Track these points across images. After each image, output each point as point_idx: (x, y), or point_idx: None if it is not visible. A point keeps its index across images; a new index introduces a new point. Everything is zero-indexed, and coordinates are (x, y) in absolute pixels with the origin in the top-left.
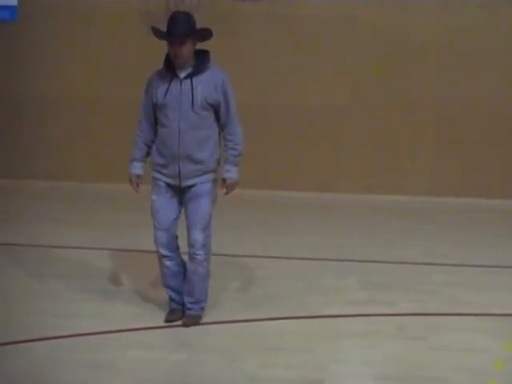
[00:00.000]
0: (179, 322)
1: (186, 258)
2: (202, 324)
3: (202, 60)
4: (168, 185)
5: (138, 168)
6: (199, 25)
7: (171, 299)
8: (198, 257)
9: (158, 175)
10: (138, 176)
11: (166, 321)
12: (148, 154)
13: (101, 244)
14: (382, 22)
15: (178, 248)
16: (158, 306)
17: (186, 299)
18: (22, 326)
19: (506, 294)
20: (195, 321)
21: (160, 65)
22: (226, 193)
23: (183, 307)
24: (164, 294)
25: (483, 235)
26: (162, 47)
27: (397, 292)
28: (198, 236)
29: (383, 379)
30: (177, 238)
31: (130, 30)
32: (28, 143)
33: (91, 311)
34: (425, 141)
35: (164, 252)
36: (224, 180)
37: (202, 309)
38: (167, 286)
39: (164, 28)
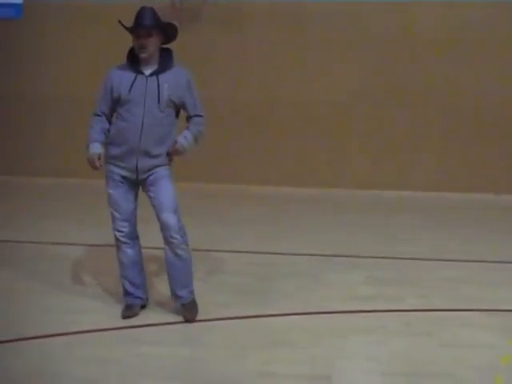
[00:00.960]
0: (180, 319)
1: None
2: (207, 320)
3: (166, 58)
4: (124, 177)
5: (97, 147)
6: (207, 22)
7: (127, 293)
8: (175, 240)
9: (113, 168)
10: (99, 155)
11: (124, 317)
12: (104, 138)
13: (105, 241)
14: (387, 18)
15: (137, 237)
16: (163, 302)
17: (175, 288)
18: (28, 322)
19: None
20: (194, 309)
21: None
22: (169, 155)
23: (142, 301)
24: (168, 291)
25: (490, 231)
26: (169, 45)
27: (403, 288)
28: (170, 218)
29: (390, 375)
30: (136, 228)
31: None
32: (30, 140)
33: (97, 308)
34: (431, 136)
35: (124, 239)
36: (175, 142)
37: (192, 292)
38: (125, 277)
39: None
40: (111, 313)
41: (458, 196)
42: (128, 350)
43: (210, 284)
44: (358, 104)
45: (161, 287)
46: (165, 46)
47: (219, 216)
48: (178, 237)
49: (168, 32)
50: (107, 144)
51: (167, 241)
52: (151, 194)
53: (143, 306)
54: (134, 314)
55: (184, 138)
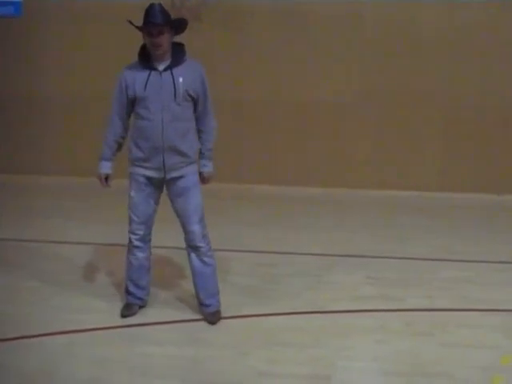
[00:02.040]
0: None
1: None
2: None
3: (178, 52)
4: (149, 179)
5: (107, 167)
6: (208, 22)
7: (129, 292)
8: (202, 249)
9: (138, 170)
10: (107, 175)
11: (123, 316)
12: (118, 150)
13: (107, 239)
14: (389, 17)
15: (150, 240)
16: (165, 301)
17: (203, 296)
18: (33, 321)
19: None
20: (218, 316)
21: None
22: (203, 184)
23: (142, 302)
24: (172, 290)
25: (493, 231)
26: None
27: (406, 288)
28: (196, 229)
29: (392, 375)
30: (151, 231)
31: (132, 29)
32: (32, 139)
33: (102, 306)
34: (433, 136)
35: (137, 243)
36: (201, 173)
37: (219, 301)
38: (130, 279)
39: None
40: (114, 312)
41: (460, 196)
42: (130, 349)
43: None
44: (359, 104)
45: (165, 286)
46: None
47: (221, 216)
48: (203, 244)
49: (178, 26)
50: (130, 146)
51: (194, 249)
52: (178, 205)
53: (141, 307)
54: (133, 314)
55: (205, 167)
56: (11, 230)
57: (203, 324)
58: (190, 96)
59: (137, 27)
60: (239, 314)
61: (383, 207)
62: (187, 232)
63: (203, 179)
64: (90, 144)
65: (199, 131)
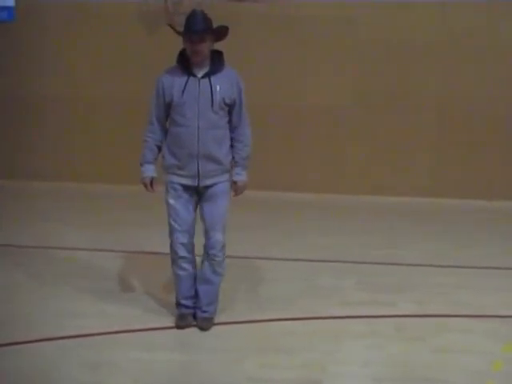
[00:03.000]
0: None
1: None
2: None
3: (217, 60)
4: (184, 187)
5: (151, 170)
6: None
7: (179, 304)
8: (218, 258)
9: (173, 178)
10: (153, 178)
11: (179, 327)
12: (158, 154)
13: (103, 245)
14: (382, 22)
15: (193, 249)
16: (159, 306)
17: (203, 302)
18: (24, 326)
19: (506, 295)
20: (211, 323)
21: (156, 64)
22: (235, 195)
23: (194, 310)
24: (166, 295)
25: (484, 237)
26: (161, 47)
27: (397, 293)
28: (219, 237)
29: (383, 380)
30: (194, 240)
31: (129, 30)
32: (27, 144)
33: (93, 311)
34: (425, 141)
35: (183, 253)
36: (234, 182)
37: (216, 310)
38: (180, 292)
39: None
40: (106, 317)
41: (451, 202)
42: (123, 354)
43: None
44: (352, 108)
45: (156, 292)
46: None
47: None
48: (220, 255)
49: (219, 33)
50: (164, 153)
51: (210, 258)
52: (205, 209)
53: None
54: (188, 324)
55: (238, 176)
56: (5, 235)
57: (195, 330)
58: (226, 104)
59: (178, 33)
60: (230, 319)
61: (374, 213)
62: (209, 238)
63: (236, 188)
64: (86, 149)
65: (234, 140)
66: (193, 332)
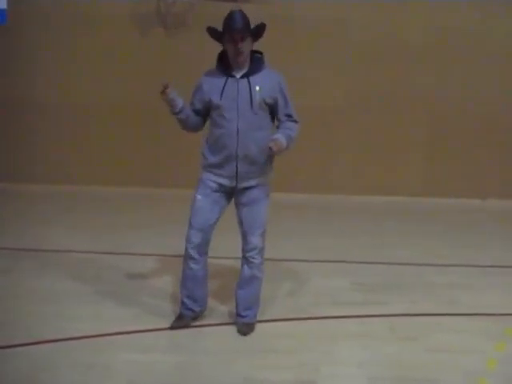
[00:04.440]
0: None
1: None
2: (196, 326)
3: (256, 60)
4: (220, 186)
5: (174, 93)
6: (191, 25)
7: (182, 303)
8: (255, 260)
9: (210, 176)
10: (168, 85)
11: (171, 328)
12: (187, 117)
13: (99, 247)
14: (375, 23)
15: (206, 253)
16: (153, 308)
17: (242, 306)
18: (20, 328)
19: (499, 294)
20: (251, 328)
21: (151, 66)
22: (271, 148)
23: (194, 314)
24: (162, 298)
25: (477, 236)
26: (155, 49)
27: (390, 293)
28: (257, 241)
29: (377, 380)
30: (209, 243)
31: (123, 33)
32: (24, 148)
33: (89, 314)
34: (418, 142)
35: (193, 253)
36: (273, 140)
37: (256, 315)
38: (183, 288)
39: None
40: (102, 319)
41: (445, 201)
42: (119, 356)
43: None
44: (345, 109)
45: (152, 294)
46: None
47: None
48: (259, 257)
49: (258, 32)
50: (205, 151)
51: (248, 260)
52: (243, 214)
53: (195, 318)
54: (183, 326)
55: (279, 136)
56: (4, 239)
57: (188, 331)
58: (266, 105)
59: (219, 32)
60: (224, 320)
61: (368, 213)
62: (247, 243)
63: (272, 142)
64: (82, 152)
65: (284, 129)
66: (188, 333)
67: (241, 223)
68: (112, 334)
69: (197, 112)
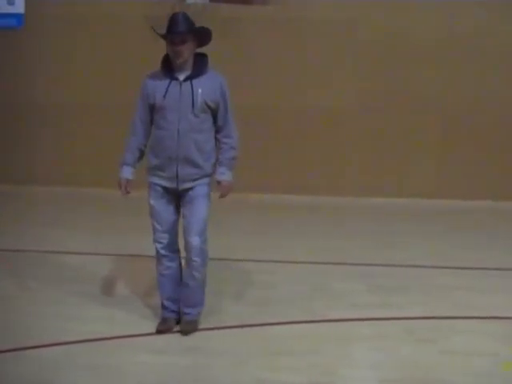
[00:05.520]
0: (178, 328)
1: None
2: (208, 329)
3: (200, 63)
4: (165, 188)
5: (128, 172)
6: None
7: (163, 307)
8: (194, 263)
9: (154, 179)
10: (128, 180)
11: (157, 332)
12: (140, 158)
13: (106, 249)
14: (385, 23)
15: (178, 250)
16: None
17: (183, 305)
18: (30, 331)
19: None
20: (193, 326)
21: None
22: (221, 196)
23: (178, 315)
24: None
25: (490, 237)
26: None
27: (404, 295)
28: (194, 241)
29: (391, 382)
30: (177, 240)
31: (137, 35)
32: (28, 149)
33: (97, 316)
34: (429, 143)
35: (164, 252)
36: (219, 183)
37: (199, 313)
38: (162, 291)
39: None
40: (111, 321)
41: (458, 203)
42: (129, 358)
43: (211, 292)
44: (356, 110)
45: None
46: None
47: (218, 225)
48: (198, 260)
49: (202, 36)
50: (148, 154)
51: (187, 262)
52: (183, 213)
53: (178, 319)
54: (169, 329)
55: (223, 175)
56: (8, 240)
57: (200, 333)
58: (208, 108)
59: (159, 35)
60: (237, 323)
61: (381, 215)
62: (185, 242)
63: (221, 188)
64: (86, 154)
65: (220, 142)
66: (199, 335)
67: (183, 222)
68: (122, 336)
69: (146, 121)
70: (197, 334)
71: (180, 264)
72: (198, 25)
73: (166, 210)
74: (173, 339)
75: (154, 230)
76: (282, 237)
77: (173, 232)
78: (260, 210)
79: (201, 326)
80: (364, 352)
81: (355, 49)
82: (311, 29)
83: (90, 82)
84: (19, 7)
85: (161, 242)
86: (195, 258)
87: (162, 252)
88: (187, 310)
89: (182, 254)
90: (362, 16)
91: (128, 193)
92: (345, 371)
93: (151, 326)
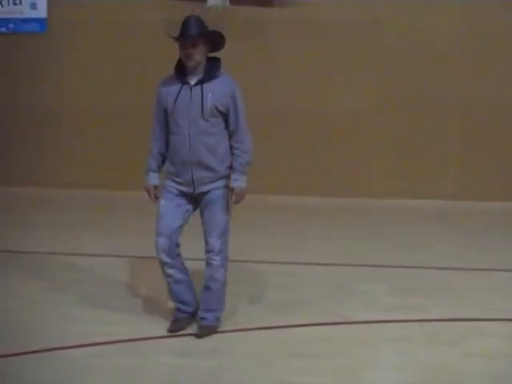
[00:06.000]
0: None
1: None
2: (232, 331)
3: (212, 67)
4: (182, 192)
5: (154, 178)
6: (227, 30)
7: (176, 308)
8: (214, 262)
9: (171, 183)
10: (155, 187)
11: (169, 331)
12: (163, 162)
13: (129, 251)
14: (407, 25)
15: (179, 255)
16: None
17: (202, 308)
18: (56, 332)
19: None
20: (208, 332)
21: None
22: (235, 202)
23: (190, 316)
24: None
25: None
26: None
27: (428, 297)
28: (214, 242)
29: None
30: (178, 246)
31: (156, 38)
32: (54, 152)
33: (122, 318)
34: (453, 145)
35: (165, 259)
36: (232, 189)
37: (218, 319)
38: (172, 295)
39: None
40: (136, 323)
41: (480, 204)
42: (155, 360)
43: (233, 294)
44: (379, 112)
45: None
46: (212, 54)
47: (241, 226)
48: (217, 259)
49: (215, 40)
50: (166, 161)
51: (207, 262)
52: (203, 216)
53: (191, 318)
54: (180, 328)
55: (236, 181)
56: (29, 242)
57: (224, 336)
58: (219, 112)
59: (172, 38)
60: (261, 325)
61: (402, 216)
62: (206, 244)
63: (235, 195)
64: (105, 157)
65: (233, 147)
66: (223, 337)
67: (203, 225)
68: (147, 338)
69: (163, 125)
70: (219, 336)
71: (184, 269)
72: (217, 28)
73: (172, 212)
74: (195, 341)
75: (155, 233)
76: (304, 239)
77: (173, 236)
78: (283, 212)
79: (223, 328)
80: (387, 354)
81: (377, 50)
82: (332, 30)
83: (114, 85)
84: (42, 12)
85: (160, 247)
86: (214, 257)
87: (162, 258)
88: (205, 315)
89: (185, 255)
90: (383, 17)
91: (157, 198)
92: (368, 374)
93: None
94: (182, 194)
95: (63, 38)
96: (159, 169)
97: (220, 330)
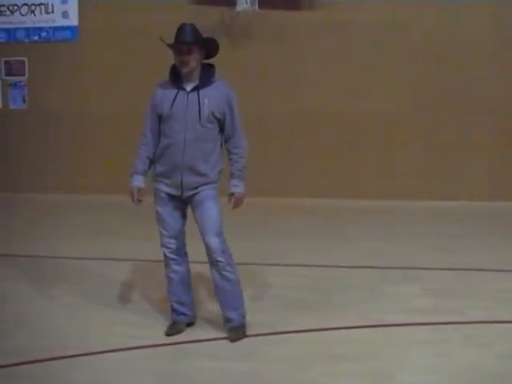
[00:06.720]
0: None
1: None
2: (264, 334)
3: (208, 73)
4: (170, 195)
5: (139, 181)
6: (256, 34)
7: (173, 310)
8: (220, 263)
9: (159, 186)
10: (140, 189)
11: (167, 334)
12: (150, 167)
13: (154, 256)
14: (437, 24)
15: (186, 253)
16: (220, 316)
17: (225, 309)
18: (93, 336)
19: None
20: (240, 333)
21: None
22: (234, 207)
23: (188, 318)
24: None
25: None
26: (221, 61)
27: (461, 299)
28: (212, 241)
29: None
30: (185, 245)
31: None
32: (79, 158)
33: (156, 322)
34: (483, 145)
35: (172, 256)
36: (232, 194)
37: (244, 316)
38: (171, 295)
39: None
40: (162, 327)
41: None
42: (187, 364)
43: (264, 298)
44: (409, 112)
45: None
46: (207, 61)
47: (270, 230)
48: (222, 259)
49: (209, 47)
50: (154, 162)
51: (212, 263)
52: (196, 216)
53: (190, 324)
54: (178, 332)
55: (235, 187)
56: (52, 247)
57: (257, 339)
58: (215, 117)
59: (167, 44)
60: (292, 328)
61: (434, 218)
62: (205, 245)
63: (235, 200)
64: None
65: (229, 152)
66: (257, 341)
67: (198, 226)
68: (182, 342)
69: (155, 131)
70: (251, 339)
71: (189, 268)
72: (247, 32)
73: (171, 217)
74: (227, 344)
75: (161, 236)
76: (335, 241)
77: (180, 237)
78: (311, 214)
79: (257, 332)
80: (422, 357)
81: (407, 50)
82: (360, 32)
83: (143, 91)
84: (73, 20)
85: (169, 248)
86: (219, 259)
87: (171, 256)
88: (231, 315)
89: (190, 257)
90: (412, 17)
91: (140, 201)
92: (404, 376)
93: (208, 332)
94: (173, 198)
95: (93, 45)
96: (145, 172)
97: (254, 333)
